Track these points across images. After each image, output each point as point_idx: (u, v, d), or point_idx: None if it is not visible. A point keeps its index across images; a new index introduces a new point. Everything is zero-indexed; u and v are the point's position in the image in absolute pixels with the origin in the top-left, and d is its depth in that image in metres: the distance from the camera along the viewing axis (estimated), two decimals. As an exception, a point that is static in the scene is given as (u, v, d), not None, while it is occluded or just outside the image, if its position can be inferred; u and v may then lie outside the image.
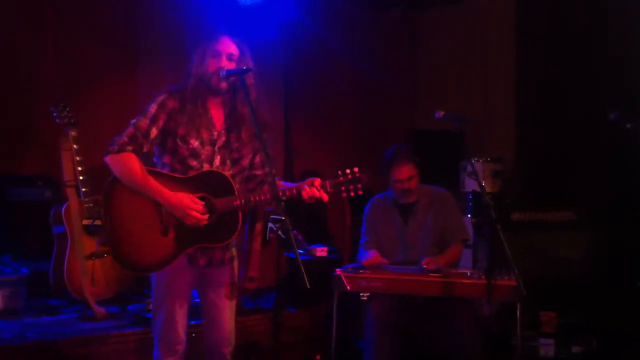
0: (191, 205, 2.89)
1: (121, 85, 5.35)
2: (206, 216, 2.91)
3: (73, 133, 4.34)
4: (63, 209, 4.32)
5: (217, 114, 3.08)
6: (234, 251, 3.18)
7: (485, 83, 6.24)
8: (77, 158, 4.31)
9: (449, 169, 5.47)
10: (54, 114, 4.34)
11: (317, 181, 2.98)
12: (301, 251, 4.89)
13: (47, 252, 4.42)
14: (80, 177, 4.30)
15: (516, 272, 3.30)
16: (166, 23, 5.42)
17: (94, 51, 5.26)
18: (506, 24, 6.03)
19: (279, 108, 5.76)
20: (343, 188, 3.00)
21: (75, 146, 4.32)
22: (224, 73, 2.98)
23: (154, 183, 2.91)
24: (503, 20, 6.07)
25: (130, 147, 2.94)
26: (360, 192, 3.01)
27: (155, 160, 3.09)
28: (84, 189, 4.31)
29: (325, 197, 2.99)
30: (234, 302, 3.19)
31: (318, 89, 6.29)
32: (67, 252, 4.28)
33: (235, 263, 3.21)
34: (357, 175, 3.00)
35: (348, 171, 3.00)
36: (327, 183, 2.99)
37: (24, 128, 5.00)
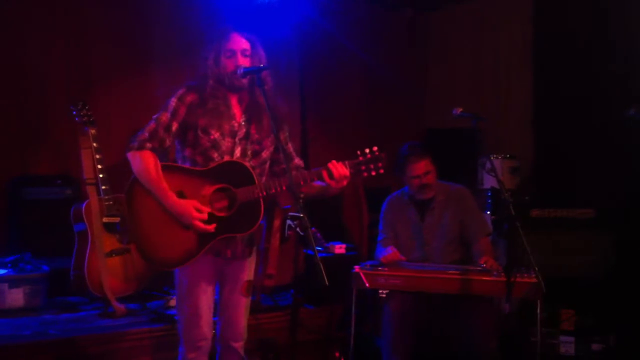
0: (195, 215, 2.89)
1: (136, 84, 5.35)
2: (212, 226, 2.92)
3: (92, 131, 4.37)
4: (83, 207, 4.35)
5: (236, 107, 3.10)
6: (254, 244, 3.19)
7: (498, 81, 6.20)
8: (97, 156, 4.34)
9: (462, 167, 5.44)
10: (74, 113, 4.36)
11: (336, 164, 2.96)
12: (319, 248, 4.89)
13: (68, 250, 4.45)
14: (100, 175, 4.33)
15: (536, 269, 3.28)
16: (181, 22, 5.42)
17: (108, 50, 5.27)
18: (521, 21, 5.98)
19: (296, 103, 5.76)
20: (363, 167, 2.98)
21: (94, 144, 4.35)
22: (241, 72, 3.00)
23: (164, 187, 2.90)
24: (518, 18, 6.03)
25: (149, 144, 2.96)
26: (382, 171, 2.98)
27: (176, 155, 3.11)
28: (103, 187, 4.33)
29: (348, 173, 2.95)
30: (248, 299, 3.20)
31: (329, 87, 6.28)
32: (88, 250, 4.31)
33: (253, 259, 3.22)
34: (377, 154, 2.98)
35: (367, 150, 2.98)
36: (347, 163, 2.97)
37: (39, 129, 5.03)
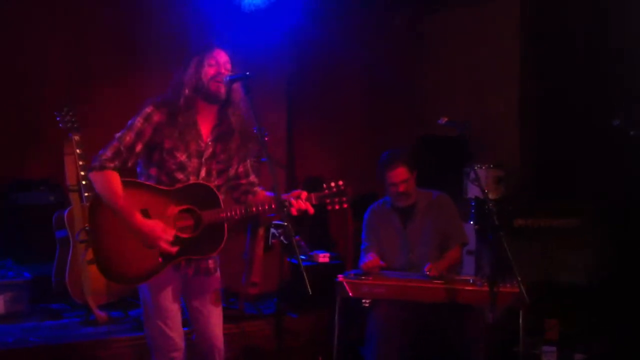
0: (162, 236, 2.86)
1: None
2: (175, 249, 2.90)
3: (76, 137, 4.34)
4: (65, 213, 4.32)
5: (205, 126, 3.06)
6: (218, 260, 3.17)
7: (490, 89, 6.21)
8: (80, 162, 4.30)
9: (453, 175, 5.45)
10: (57, 119, 4.34)
11: (304, 194, 3.01)
12: (303, 257, 4.89)
13: (51, 257, 4.42)
14: (83, 182, 4.30)
15: (519, 279, 3.29)
16: (171, 29, 5.40)
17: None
18: (511, 29, 6.00)
19: (282, 113, 5.75)
20: (328, 201, 3.05)
21: (78, 150, 4.32)
22: (227, 79, 2.99)
23: (128, 208, 2.85)
24: (508, 26, 6.05)
25: (112, 164, 2.90)
26: (345, 205, 3.06)
27: (139, 170, 3.06)
28: (86, 194, 4.30)
29: (311, 210, 3.02)
30: (220, 309, 3.16)
31: (322, 94, 6.25)
32: (69, 257, 4.28)
33: (218, 271, 3.18)
34: (342, 188, 3.05)
35: (333, 184, 3.05)
36: (313, 196, 3.04)
37: (30, 133, 5.00)
